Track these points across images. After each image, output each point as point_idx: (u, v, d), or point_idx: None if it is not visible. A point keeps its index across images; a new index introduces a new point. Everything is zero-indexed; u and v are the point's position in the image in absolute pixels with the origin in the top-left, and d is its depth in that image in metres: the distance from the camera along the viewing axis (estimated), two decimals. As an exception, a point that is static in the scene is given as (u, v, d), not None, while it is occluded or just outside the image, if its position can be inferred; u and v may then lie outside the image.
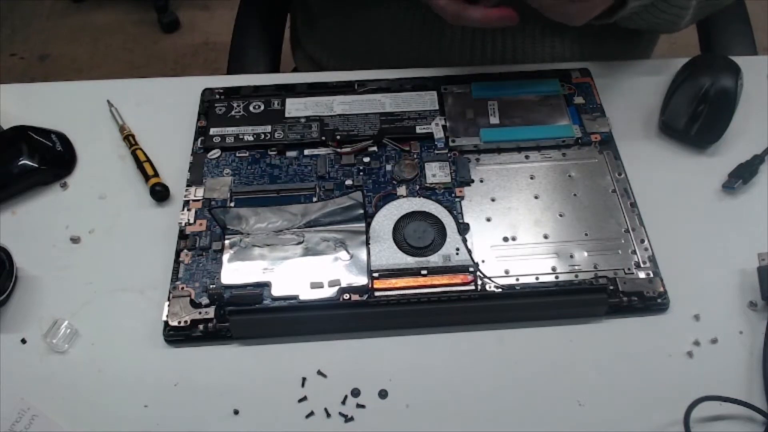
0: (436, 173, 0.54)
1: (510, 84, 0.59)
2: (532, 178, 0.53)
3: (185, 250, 0.50)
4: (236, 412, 0.44)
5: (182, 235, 0.50)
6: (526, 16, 0.50)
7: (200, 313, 0.46)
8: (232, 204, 0.52)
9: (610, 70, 0.62)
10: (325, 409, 0.44)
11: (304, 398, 0.44)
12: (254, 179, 0.54)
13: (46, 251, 0.52)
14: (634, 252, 0.49)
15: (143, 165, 0.55)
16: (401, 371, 0.45)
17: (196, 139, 0.57)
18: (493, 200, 0.52)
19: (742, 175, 0.53)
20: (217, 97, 0.60)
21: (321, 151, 0.56)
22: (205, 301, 0.47)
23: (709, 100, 0.56)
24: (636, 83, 0.61)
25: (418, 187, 0.53)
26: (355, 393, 0.44)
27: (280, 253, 0.49)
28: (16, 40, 1.76)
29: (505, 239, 0.50)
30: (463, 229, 0.50)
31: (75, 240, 0.52)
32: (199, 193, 0.53)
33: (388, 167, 0.54)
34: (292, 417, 0.44)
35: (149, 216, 0.53)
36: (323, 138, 0.56)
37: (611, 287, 0.47)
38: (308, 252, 0.49)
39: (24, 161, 0.55)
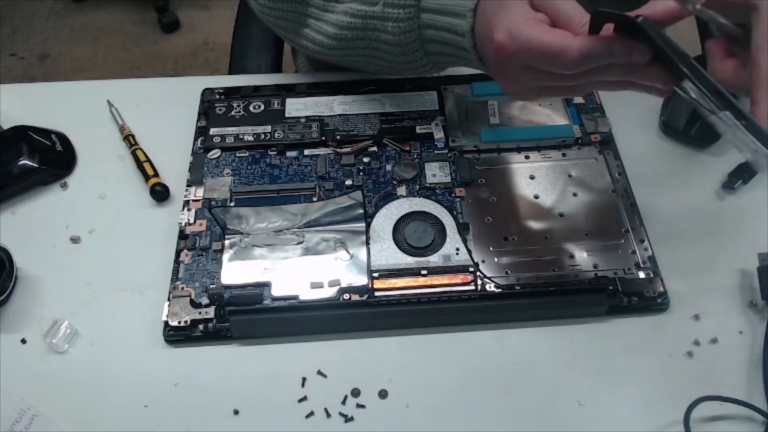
0: (436, 173, 0.54)
1: (510, 84, 0.59)
2: (532, 178, 0.53)
3: (185, 250, 0.50)
4: (236, 412, 0.44)
5: (182, 235, 0.50)
6: None
7: (200, 313, 0.46)
8: (232, 204, 0.52)
9: (610, 70, 0.61)
10: (325, 409, 0.44)
11: (304, 398, 0.44)
12: (254, 179, 0.54)
13: (46, 251, 0.52)
14: (634, 252, 0.49)
15: (143, 165, 0.55)
16: (401, 371, 0.45)
17: (196, 139, 0.57)
18: (493, 200, 0.52)
19: (742, 175, 0.53)
20: (217, 97, 0.60)
21: (321, 151, 0.56)
22: (205, 301, 0.47)
23: (709, 100, 0.56)
24: (636, 83, 0.61)
25: (418, 187, 0.53)
26: (355, 393, 0.44)
27: (280, 253, 0.49)
28: (16, 40, 1.76)
29: (505, 239, 0.50)
30: (463, 229, 0.50)
31: (75, 240, 0.52)
32: (199, 193, 0.53)
33: (388, 167, 0.54)
34: (292, 417, 0.44)
35: (149, 216, 0.53)
36: (323, 138, 0.56)
37: (611, 287, 0.47)
38: (308, 252, 0.49)
39: (24, 161, 0.55)
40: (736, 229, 0.52)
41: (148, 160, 0.56)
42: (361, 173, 0.54)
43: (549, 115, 0.57)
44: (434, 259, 0.48)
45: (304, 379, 0.45)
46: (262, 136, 0.56)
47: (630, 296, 0.47)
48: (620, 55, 0.36)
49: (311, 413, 0.44)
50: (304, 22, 0.53)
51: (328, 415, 0.44)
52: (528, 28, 0.38)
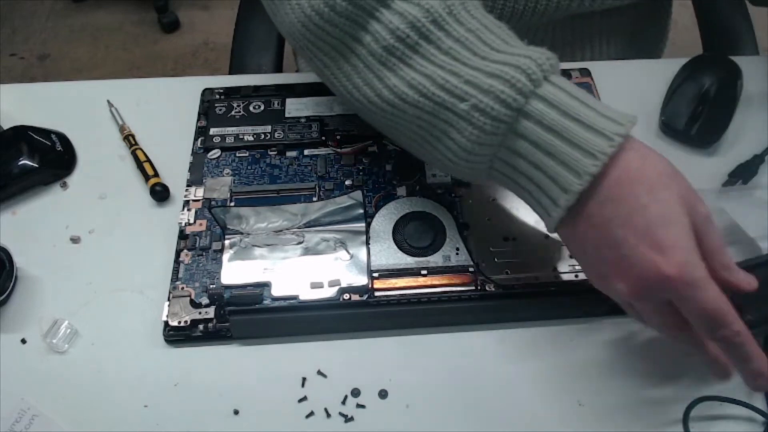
0: (436, 173, 0.54)
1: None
2: (532, 178, 0.53)
3: (185, 250, 0.50)
4: (236, 412, 0.44)
5: (182, 235, 0.50)
6: (540, 29, 0.49)
7: (200, 313, 0.46)
8: (232, 204, 0.52)
9: (610, 70, 0.62)
10: (325, 409, 0.44)
11: (304, 398, 0.44)
12: (254, 179, 0.54)
13: (46, 251, 0.52)
14: (634, 252, 0.49)
15: (143, 165, 0.55)
16: (401, 371, 0.45)
17: (196, 139, 0.57)
18: (493, 200, 0.52)
19: (741, 175, 0.53)
20: (217, 97, 0.60)
21: (321, 151, 0.56)
22: (205, 301, 0.47)
23: (709, 100, 0.56)
24: (636, 83, 0.61)
25: (418, 187, 0.53)
26: (355, 393, 0.44)
27: (280, 253, 0.49)
28: (16, 40, 1.76)
29: (505, 239, 0.50)
30: (463, 229, 0.50)
31: (75, 240, 0.52)
32: (199, 193, 0.53)
33: (388, 167, 0.54)
34: (292, 417, 0.44)
35: (149, 216, 0.53)
36: (323, 138, 0.56)
37: (611, 287, 0.47)
38: (308, 252, 0.49)
39: (24, 161, 0.55)
40: (736, 229, 0.52)
41: (148, 160, 0.56)
42: (361, 173, 0.54)
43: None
44: (434, 259, 0.48)
45: (304, 379, 0.45)
46: (262, 136, 0.56)
47: (630, 296, 0.47)
48: None
49: (311, 413, 0.44)
50: (349, 59, 0.42)
51: (328, 415, 0.44)
52: (706, 277, 0.35)
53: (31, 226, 0.53)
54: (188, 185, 0.53)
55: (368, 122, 0.46)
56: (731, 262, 0.37)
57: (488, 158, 0.39)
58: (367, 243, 0.49)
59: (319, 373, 0.45)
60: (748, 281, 0.37)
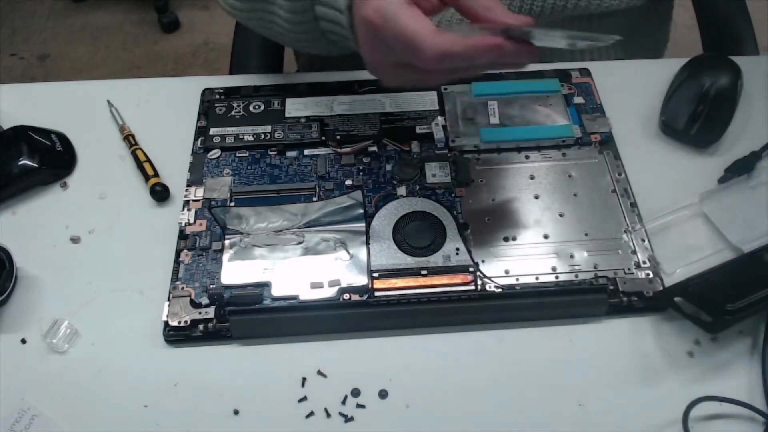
0: (436, 173, 0.54)
1: (510, 84, 0.59)
2: (532, 178, 0.53)
3: (185, 250, 0.50)
4: (236, 412, 0.44)
5: (182, 235, 0.50)
6: (542, 19, 0.50)
7: (200, 313, 0.46)
8: (232, 204, 0.52)
9: (610, 70, 0.62)
10: (325, 409, 0.44)
11: (304, 398, 0.44)
12: (254, 179, 0.54)
13: (46, 251, 0.52)
14: (634, 252, 0.49)
15: (143, 165, 0.55)
16: (401, 371, 0.45)
17: (196, 139, 0.57)
18: (493, 200, 0.52)
19: (738, 172, 0.53)
20: (217, 97, 0.60)
21: (321, 151, 0.56)
22: (205, 301, 0.47)
23: (709, 100, 0.56)
24: (636, 83, 0.61)
25: (418, 187, 0.53)
26: (355, 393, 0.44)
27: (280, 253, 0.49)
28: (16, 40, 1.76)
29: (505, 239, 0.50)
30: (463, 229, 0.50)
31: (75, 240, 0.52)
32: (199, 193, 0.53)
33: (388, 167, 0.54)
34: (292, 417, 0.44)
35: (149, 216, 0.53)
36: (323, 138, 0.56)
37: (611, 287, 0.47)
38: (308, 252, 0.49)
39: (24, 161, 0.55)
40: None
41: (148, 160, 0.56)
42: (361, 173, 0.54)
43: (549, 115, 0.57)
44: (434, 259, 0.48)
45: (304, 379, 0.45)
46: (262, 136, 0.56)
47: (630, 296, 0.47)
48: (510, 57, 0.37)
49: (311, 413, 0.44)
50: None
51: (328, 415, 0.44)
52: (396, 8, 0.37)
53: (31, 226, 0.53)
54: (188, 185, 0.53)
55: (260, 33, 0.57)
56: (492, 8, 0.38)
57: (310, 17, 0.48)
58: (367, 243, 0.49)
59: (319, 373, 0.45)
60: (514, 17, 0.37)
